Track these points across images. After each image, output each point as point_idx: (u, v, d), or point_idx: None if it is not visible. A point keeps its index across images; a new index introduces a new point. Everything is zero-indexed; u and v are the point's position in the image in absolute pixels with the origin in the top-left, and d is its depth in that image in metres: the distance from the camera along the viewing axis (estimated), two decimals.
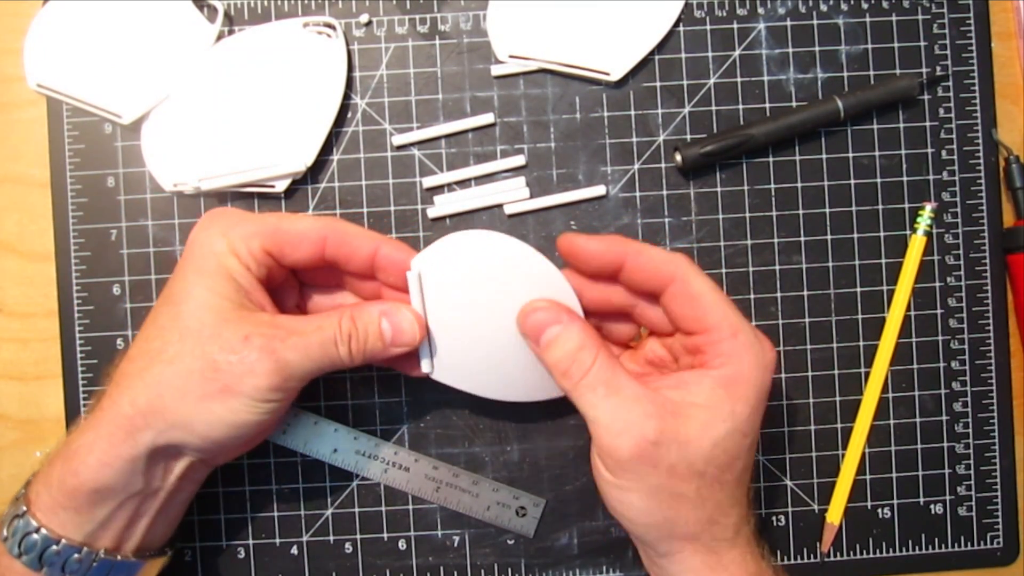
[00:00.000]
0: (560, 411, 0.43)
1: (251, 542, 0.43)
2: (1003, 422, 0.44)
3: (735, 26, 0.44)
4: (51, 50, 0.42)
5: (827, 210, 0.44)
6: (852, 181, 0.44)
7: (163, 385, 0.34)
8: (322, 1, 0.43)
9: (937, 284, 0.44)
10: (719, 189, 0.44)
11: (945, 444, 0.44)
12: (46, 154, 0.43)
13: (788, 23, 0.44)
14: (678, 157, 0.43)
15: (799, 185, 0.44)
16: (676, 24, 0.44)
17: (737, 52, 0.44)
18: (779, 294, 0.44)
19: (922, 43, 0.44)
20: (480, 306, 0.38)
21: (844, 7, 0.44)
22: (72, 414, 0.43)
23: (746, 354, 0.33)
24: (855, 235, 0.44)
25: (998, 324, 0.44)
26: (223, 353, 0.33)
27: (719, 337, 0.33)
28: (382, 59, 0.43)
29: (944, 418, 0.44)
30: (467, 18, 0.44)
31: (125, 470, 0.34)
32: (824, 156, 0.44)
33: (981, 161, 0.44)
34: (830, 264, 0.44)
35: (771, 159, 0.44)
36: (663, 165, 0.44)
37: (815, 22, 0.44)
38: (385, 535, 0.43)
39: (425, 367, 0.39)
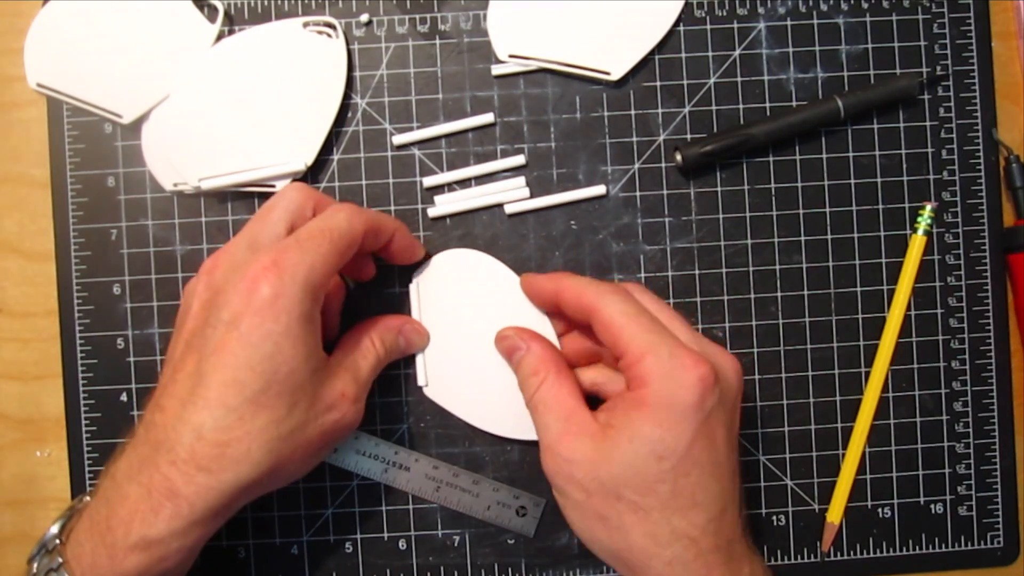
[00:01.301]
0: None
1: (251, 542, 0.43)
2: (1003, 422, 0.44)
3: (735, 26, 0.44)
4: (51, 50, 0.42)
5: (827, 210, 0.44)
6: (852, 181, 0.44)
7: (280, 461, 0.33)
8: (322, 1, 0.43)
9: (937, 284, 0.44)
10: (719, 189, 0.44)
11: (945, 444, 0.44)
12: (46, 154, 0.43)
13: (788, 23, 0.44)
14: (678, 157, 0.43)
15: (799, 185, 0.44)
16: (676, 24, 0.44)
17: (737, 52, 0.44)
18: (779, 293, 0.44)
19: (922, 43, 0.44)
20: (468, 326, 0.42)
21: (844, 7, 0.44)
22: (72, 414, 0.43)
23: (656, 376, 0.33)
24: (855, 235, 0.44)
25: (998, 324, 0.44)
26: (329, 415, 0.35)
27: (631, 361, 0.33)
28: (382, 59, 0.43)
29: (944, 418, 0.44)
30: (467, 18, 0.44)
31: (209, 537, 0.34)
32: (824, 156, 0.44)
33: (981, 161, 0.44)
34: (830, 264, 0.44)
35: (771, 159, 0.44)
36: (663, 165, 0.44)
37: (815, 22, 0.44)
38: (385, 535, 0.43)
39: (421, 379, 0.42)
